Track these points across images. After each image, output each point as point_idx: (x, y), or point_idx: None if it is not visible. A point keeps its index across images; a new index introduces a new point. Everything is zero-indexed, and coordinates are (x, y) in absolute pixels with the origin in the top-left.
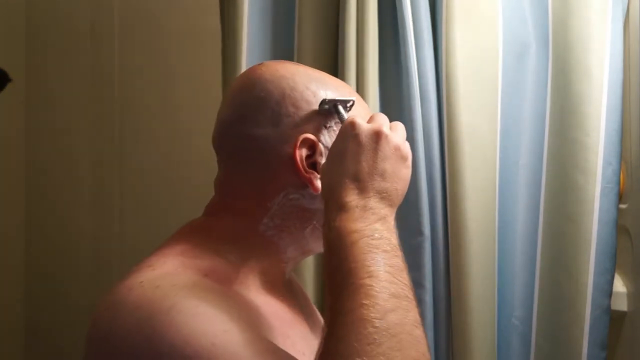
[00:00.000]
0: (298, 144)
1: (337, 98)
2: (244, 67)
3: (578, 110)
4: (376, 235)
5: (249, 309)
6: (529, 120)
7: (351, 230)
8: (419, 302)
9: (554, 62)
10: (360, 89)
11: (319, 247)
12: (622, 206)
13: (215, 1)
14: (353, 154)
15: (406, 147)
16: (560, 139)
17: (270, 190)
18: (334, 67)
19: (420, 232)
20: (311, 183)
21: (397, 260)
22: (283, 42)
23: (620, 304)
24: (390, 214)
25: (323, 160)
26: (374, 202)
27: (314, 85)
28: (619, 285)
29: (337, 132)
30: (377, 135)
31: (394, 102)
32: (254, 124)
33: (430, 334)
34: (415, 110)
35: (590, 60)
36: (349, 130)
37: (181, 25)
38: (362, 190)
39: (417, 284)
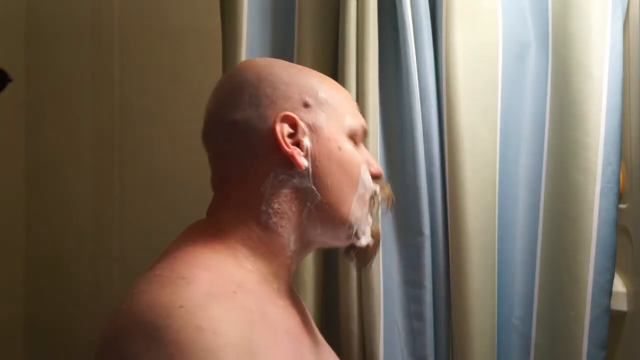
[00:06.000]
0: (277, 120)
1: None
2: None
3: (578, 110)
4: None
5: (275, 336)
6: (529, 120)
7: None
8: (419, 301)
9: (554, 61)
10: (360, 88)
11: (317, 235)
12: (622, 206)
13: (215, 1)
14: None
15: None
16: (560, 139)
17: (259, 174)
18: (334, 67)
19: (420, 232)
20: (294, 158)
21: None
22: (283, 42)
23: (620, 303)
24: None
25: (306, 139)
26: None
27: (290, 70)
28: (619, 285)
29: (318, 111)
30: None
31: (394, 102)
32: (234, 109)
33: (430, 333)
34: (415, 110)
35: (590, 60)
36: None
37: (181, 24)
38: None
39: (417, 284)
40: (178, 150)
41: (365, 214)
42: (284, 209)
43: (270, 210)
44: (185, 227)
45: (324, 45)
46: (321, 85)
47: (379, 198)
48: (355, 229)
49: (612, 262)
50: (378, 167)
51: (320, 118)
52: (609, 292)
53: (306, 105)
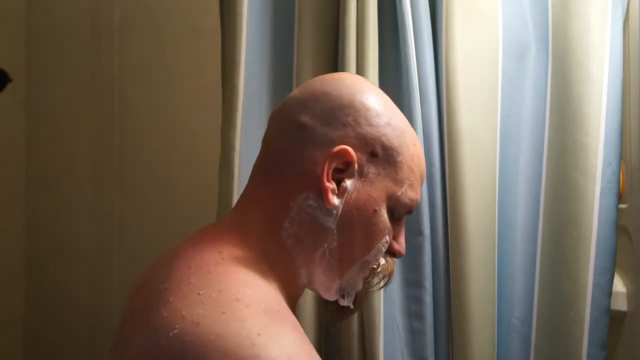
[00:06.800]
0: (336, 150)
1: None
2: (243, 66)
3: (578, 111)
4: None
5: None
6: (529, 120)
7: None
8: (419, 301)
9: (554, 62)
10: None
11: (320, 281)
12: (622, 206)
13: (215, 1)
14: None
15: None
16: (560, 139)
17: (294, 186)
18: (334, 67)
19: (420, 232)
20: (326, 193)
21: None
22: (283, 42)
23: (620, 304)
24: None
25: (349, 183)
26: None
27: (385, 116)
28: (619, 285)
29: (380, 165)
30: None
31: (394, 103)
32: (308, 112)
33: (430, 334)
34: (415, 110)
35: (590, 61)
36: None
37: (181, 25)
38: None
39: (417, 284)
40: (178, 149)
41: (359, 278)
42: (303, 236)
43: (291, 230)
44: (201, 231)
45: (324, 45)
46: (403, 147)
47: (379, 270)
48: (343, 287)
49: (612, 262)
50: (402, 248)
51: (377, 173)
52: (609, 292)
53: (373, 154)
